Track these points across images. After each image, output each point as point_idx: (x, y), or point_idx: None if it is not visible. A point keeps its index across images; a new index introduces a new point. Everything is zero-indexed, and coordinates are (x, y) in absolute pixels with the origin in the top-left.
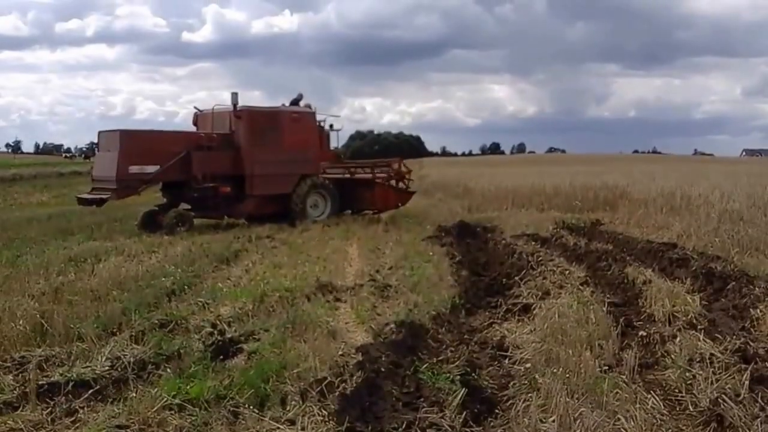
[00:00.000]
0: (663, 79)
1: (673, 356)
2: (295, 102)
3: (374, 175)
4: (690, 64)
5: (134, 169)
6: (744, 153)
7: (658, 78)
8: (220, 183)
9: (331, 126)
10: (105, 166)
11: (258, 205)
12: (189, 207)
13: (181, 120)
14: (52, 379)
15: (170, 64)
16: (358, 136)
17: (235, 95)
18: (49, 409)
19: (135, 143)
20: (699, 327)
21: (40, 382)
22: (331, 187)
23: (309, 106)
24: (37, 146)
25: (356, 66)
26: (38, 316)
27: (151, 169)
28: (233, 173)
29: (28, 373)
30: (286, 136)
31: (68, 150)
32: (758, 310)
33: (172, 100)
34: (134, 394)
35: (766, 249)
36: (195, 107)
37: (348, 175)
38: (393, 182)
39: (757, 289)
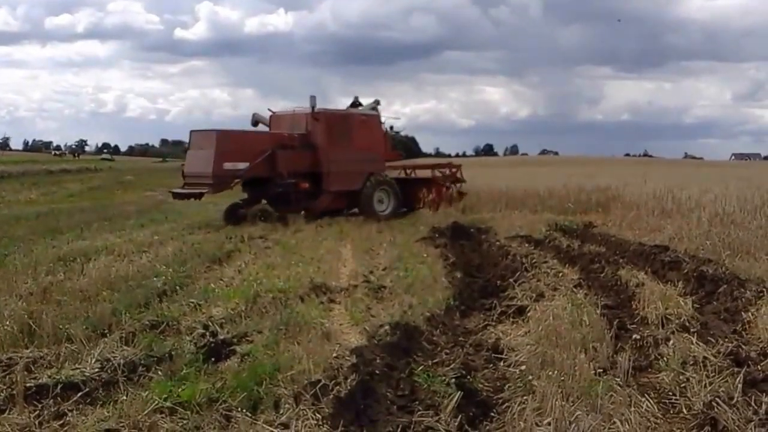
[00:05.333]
0: (654, 82)
1: (666, 359)
2: (354, 105)
3: (434, 175)
4: (681, 68)
5: (228, 165)
6: (733, 157)
7: (650, 81)
8: (300, 179)
9: (391, 128)
10: (199, 163)
11: (332, 200)
12: (266, 202)
13: (172, 118)
14: (40, 381)
15: (163, 62)
16: None
17: (313, 98)
18: (37, 412)
19: (228, 142)
20: (692, 330)
21: (27, 385)
22: (394, 185)
23: (378, 102)
24: (25, 143)
25: (350, 66)
26: (26, 316)
27: (242, 165)
28: (311, 170)
29: (16, 375)
30: (356, 137)
31: (57, 147)
32: (750, 314)
33: (164, 98)
34: (124, 397)
35: (756, 252)
36: (269, 109)
37: (410, 175)
38: (448, 183)
39: (748, 292)
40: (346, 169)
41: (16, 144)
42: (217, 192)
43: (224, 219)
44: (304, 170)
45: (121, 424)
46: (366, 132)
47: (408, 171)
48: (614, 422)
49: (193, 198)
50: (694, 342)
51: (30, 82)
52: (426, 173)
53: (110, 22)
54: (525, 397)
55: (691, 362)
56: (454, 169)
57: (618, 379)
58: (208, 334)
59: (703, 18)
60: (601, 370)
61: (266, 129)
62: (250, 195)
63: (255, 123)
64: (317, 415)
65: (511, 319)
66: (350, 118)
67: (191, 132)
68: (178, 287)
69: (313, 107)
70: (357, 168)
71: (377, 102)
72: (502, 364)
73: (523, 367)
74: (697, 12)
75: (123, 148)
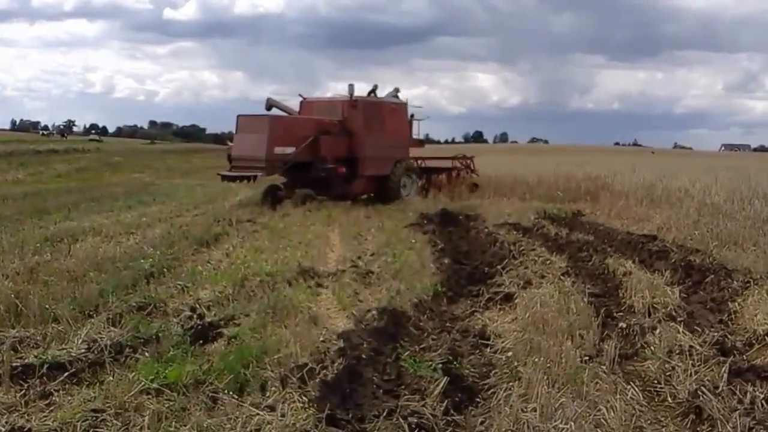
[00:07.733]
0: (647, 71)
1: (652, 347)
2: (372, 92)
3: (453, 164)
4: (674, 58)
5: (278, 150)
6: (723, 148)
7: (642, 71)
8: (338, 164)
9: (412, 116)
10: (249, 146)
11: (365, 184)
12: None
13: (161, 100)
14: (26, 361)
15: (151, 42)
16: None
17: (351, 86)
18: (23, 391)
19: (279, 127)
20: (678, 319)
21: (14, 364)
22: (417, 171)
23: (397, 89)
24: (13, 123)
25: (340, 49)
26: (13, 296)
27: (290, 150)
28: (347, 156)
29: (2, 355)
30: (387, 124)
31: (45, 127)
32: (736, 304)
33: (153, 79)
34: (111, 378)
35: (744, 242)
36: (300, 95)
37: (421, 164)
38: (463, 172)
39: (735, 282)
40: (379, 155)
41: (3, 123)
42: (269, 175)
43: (261, 201)
44: (341, 155)
45: (107, 405)
46: (395, 120)
47: (419, 161)
48: (600, 409)
49: (245, 180)
50: (680, 331)
51: (18, 61)
52: (443, 162)
53: (99, 0)
54: (511, 384)
55: (677, 351)
56: (467, 161)
57: (604, 367)
58: (195, 316)
59: (697, 7)
60: (587, 358)
61: (280, 113)
62: (289, 179)
63: (269, 107)
64: (303, 398)
65: (499, 306)
66: (383, 106)
67: (239, 116)
68: (165, 269)
69: (351, 94)
70: (387, 154)
71: (397, 90)
72: (488, 350)
73: (510, 354)
74: (692, 0)
75: (111, 129)
